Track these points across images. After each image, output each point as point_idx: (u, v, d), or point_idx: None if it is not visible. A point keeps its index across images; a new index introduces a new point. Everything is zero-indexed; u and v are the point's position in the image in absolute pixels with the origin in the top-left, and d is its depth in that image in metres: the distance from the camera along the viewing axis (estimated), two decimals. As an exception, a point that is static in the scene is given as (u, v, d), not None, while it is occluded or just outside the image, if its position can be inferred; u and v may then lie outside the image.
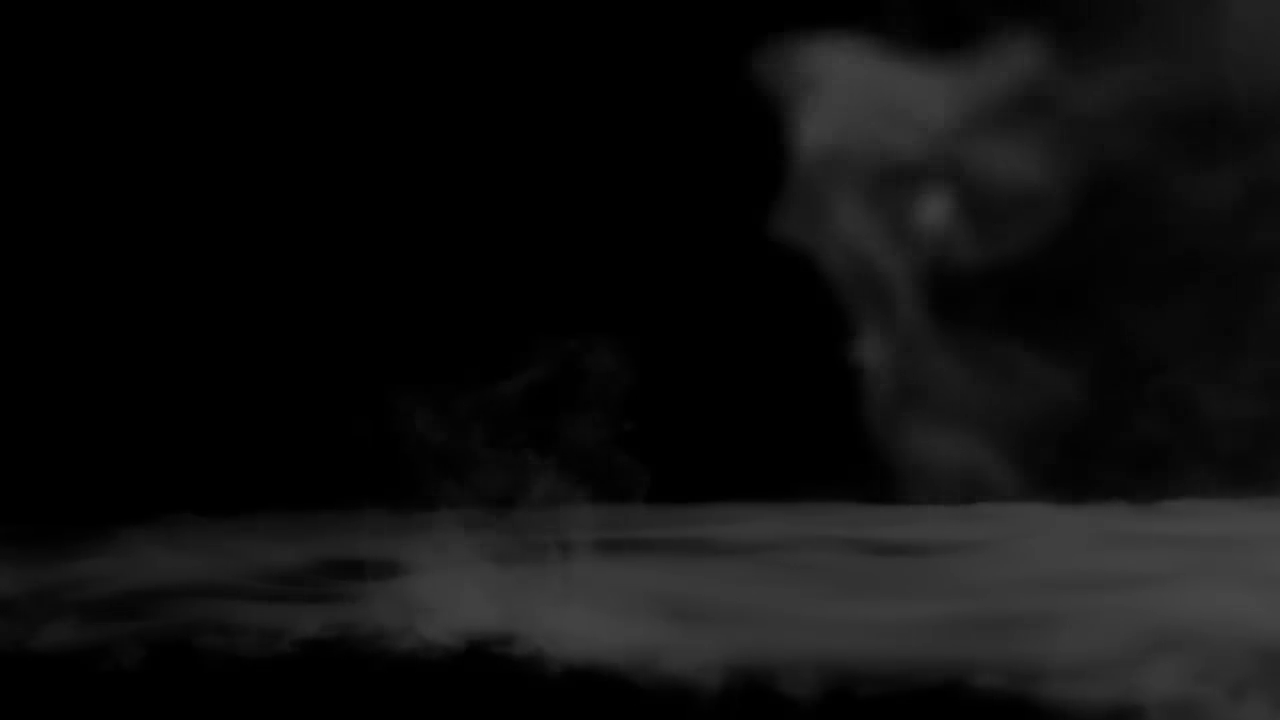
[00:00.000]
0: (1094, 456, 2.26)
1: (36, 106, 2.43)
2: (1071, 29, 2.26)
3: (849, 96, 2.28)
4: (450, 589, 2.07)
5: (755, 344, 2.31)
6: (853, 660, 1.85)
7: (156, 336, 2.42)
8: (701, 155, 2.34)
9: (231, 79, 2.41)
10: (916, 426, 2.25)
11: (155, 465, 2.37)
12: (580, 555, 2.05)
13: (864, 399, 2.27)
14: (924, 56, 2.29)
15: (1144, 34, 2.23)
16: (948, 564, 2.14)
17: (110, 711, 1.79)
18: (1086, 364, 2.28)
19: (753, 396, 2.33)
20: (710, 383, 2.30)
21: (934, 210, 2.25)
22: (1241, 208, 2.27)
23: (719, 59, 2.32)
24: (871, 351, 2.26)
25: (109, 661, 1.89)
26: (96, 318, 2.42)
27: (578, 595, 1.99)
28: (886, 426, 2.26)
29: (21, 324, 2.40)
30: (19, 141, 2.41)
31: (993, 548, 2.18)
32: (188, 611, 2.02)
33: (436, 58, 2.40)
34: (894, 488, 2.29)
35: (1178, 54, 2.25)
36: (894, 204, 2.28)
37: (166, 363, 2.41)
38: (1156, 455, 2.25)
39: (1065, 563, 2.13)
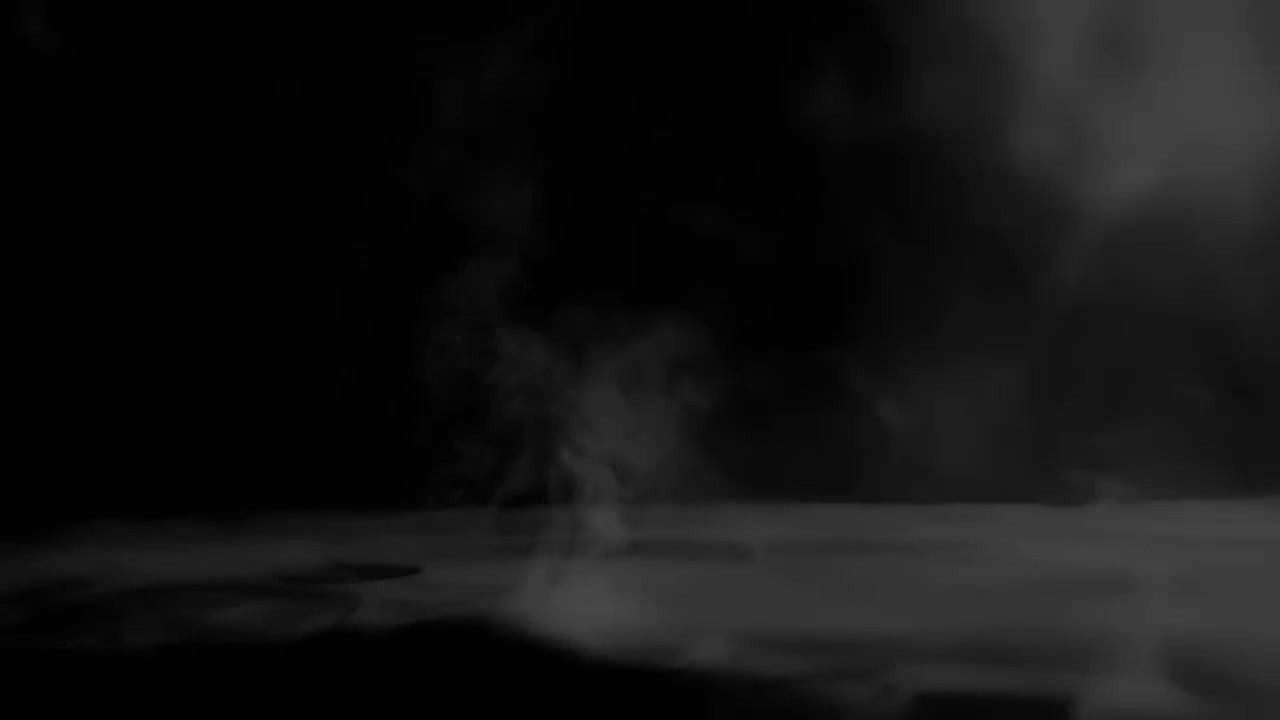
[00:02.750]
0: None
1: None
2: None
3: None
4: (455, 587, 2.09)
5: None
6: (852, 659, 1.86)
7: (152, 336, 2.43)
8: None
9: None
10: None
11: (156, 464, 2.38)
12: (582, 554, 2.06)
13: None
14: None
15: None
16: (942, 564, 2.15)
17: (107, 709, 1.80)
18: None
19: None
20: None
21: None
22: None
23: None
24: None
25: (105, 658, 1.90)
26: (98, 313, 2.43)
27: (579, 593, 2.00)
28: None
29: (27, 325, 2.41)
30: None
31: (985, 547, 2.19)
32: (187, 610, 2.03)
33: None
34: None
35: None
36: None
37: (165, 360, 2.43)
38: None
39: (1057, 562, 2.14)
